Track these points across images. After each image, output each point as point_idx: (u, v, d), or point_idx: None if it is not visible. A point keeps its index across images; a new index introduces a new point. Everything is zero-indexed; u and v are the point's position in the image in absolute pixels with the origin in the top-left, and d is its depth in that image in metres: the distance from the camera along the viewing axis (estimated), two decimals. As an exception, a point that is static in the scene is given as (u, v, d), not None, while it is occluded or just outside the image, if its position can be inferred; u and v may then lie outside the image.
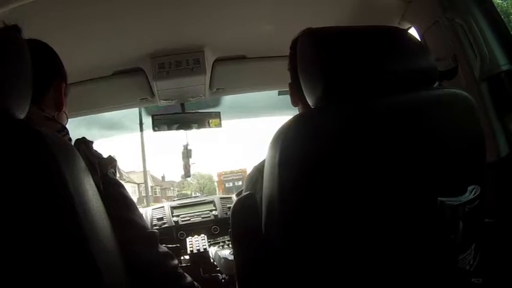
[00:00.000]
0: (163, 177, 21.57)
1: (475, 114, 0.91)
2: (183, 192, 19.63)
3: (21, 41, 0.81)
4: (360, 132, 0.83)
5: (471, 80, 1.22)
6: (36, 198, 0.69)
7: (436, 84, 0.98)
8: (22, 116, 0.78)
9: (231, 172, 12.32)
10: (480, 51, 1.20)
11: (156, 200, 17.22)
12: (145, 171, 14.80)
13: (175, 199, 2.59)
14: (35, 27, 0.95)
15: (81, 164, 0.85)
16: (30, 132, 0.72)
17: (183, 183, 21.36)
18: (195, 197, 2.73)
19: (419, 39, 1.19)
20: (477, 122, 0.92)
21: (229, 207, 2.31)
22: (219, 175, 12.58)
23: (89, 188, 0.83)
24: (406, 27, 1.46)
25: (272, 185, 0.85)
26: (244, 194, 1.10)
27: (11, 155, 0.69)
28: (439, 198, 0.82)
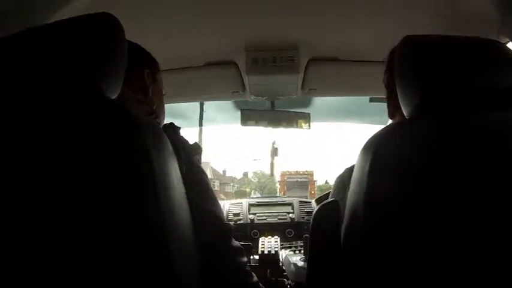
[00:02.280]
0: (224, 172, 21.83)
1: None
2: (241, 189, 19.80)
3: (119, 24, 0.82)
4: (456, 146, 0.79)
5: None
6: (122, 182, 0.70)
7: None
8: (113, 96, 0.80)
9: (297, 173, 11.37)
10: None
11: (212, 194, 17.34)
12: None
13: (254, 197, 2.60)
14: (124, 12, 0.96)
15: (169, 148, 0.86)
16: (122, 114, 0.73)
17: (244, 180, 21.54)
18: (275, 196, 2.72)
19: None
20: None
21: (307, 212, 2.30)
22: (283, 174, 11.61)
23: (174, 175, 0.84)
24: (504, 41, 1.34)
25: (359, 192, 0.83)
26: (327, 201, 1.06)
27: (102, 135, 0.70)
28: None
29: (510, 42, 1.34)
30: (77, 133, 0.70)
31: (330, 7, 1.55)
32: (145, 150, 0.72)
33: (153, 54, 1.26)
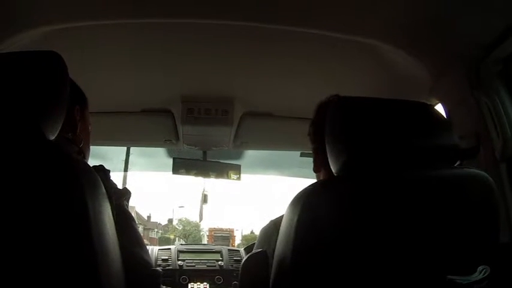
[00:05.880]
0: (149, 217, 20.92)
1: (492, 196, 0.93)
2: (166, 236, 19.13)
3: (64, 64, 0.83)
4: (379, 203, 0.86)
5: (491, 160, 1.22)
6: (57, 223, 0.70)
7: (458, 163, 1.00)
8: (52, 137, 0.80)
9: (221, 230, 14.21)
10: (503, 132, 1.19)
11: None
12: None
13: (183, 244, 2.59)
14: (69, 50, 0.97)
15: (103, 193, 0.85)
16: (60, 157, 0.74)
17: (168, 227, 20.84)
18: (203, 244, 2.73)
19: (445, 116, 1.21)
20: (494, 203, 0.93)
21: (236, 260, 2.34)
22: (211, 230, 14.62)
23: (107, 220, 0.84)
24: (433, 103, 1.45)
25: (287, 244, 0.87)
26: (256, 250, 1.10)
27: (39, 176, 0.70)
28: (448, 276, 0.83)
29: (439, 104, 1.43)
30: (14, 175, 0.70)
31: (265, 65, 1.64)
32: (81, 196, 0.72)
33: (90, 94, 1.22)
